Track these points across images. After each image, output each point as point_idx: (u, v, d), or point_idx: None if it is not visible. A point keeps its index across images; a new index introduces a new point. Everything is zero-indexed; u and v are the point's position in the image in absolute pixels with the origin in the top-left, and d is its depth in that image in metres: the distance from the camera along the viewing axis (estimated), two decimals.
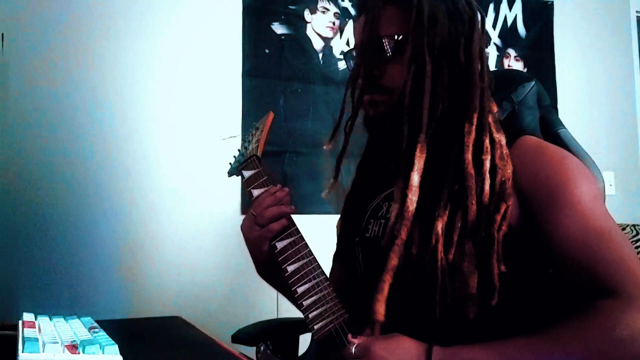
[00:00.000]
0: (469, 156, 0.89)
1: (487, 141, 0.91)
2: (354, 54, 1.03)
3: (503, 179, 0.88)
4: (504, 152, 0.91)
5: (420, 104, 0.91)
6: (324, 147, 1.06)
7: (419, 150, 0.91)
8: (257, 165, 1.14)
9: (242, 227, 1.12)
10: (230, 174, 1.22)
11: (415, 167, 0.90)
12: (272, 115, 1.23)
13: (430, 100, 0.91)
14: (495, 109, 0.97)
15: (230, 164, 1.24)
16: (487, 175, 0.88)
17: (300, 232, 1.05)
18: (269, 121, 1.21)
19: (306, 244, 1.03)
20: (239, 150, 1.25)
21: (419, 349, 0.83)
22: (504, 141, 0.92)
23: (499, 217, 0.86)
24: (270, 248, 1.07)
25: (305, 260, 1.01)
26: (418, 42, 0.92)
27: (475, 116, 0.91)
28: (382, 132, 1.00)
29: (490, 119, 0.93)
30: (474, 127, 0.91)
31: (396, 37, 0.94)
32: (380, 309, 0.87)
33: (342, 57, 2.29)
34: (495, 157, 0.90)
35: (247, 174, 1.14)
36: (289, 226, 1.06)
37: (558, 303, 0.88)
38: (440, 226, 0.87)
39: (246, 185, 1.14)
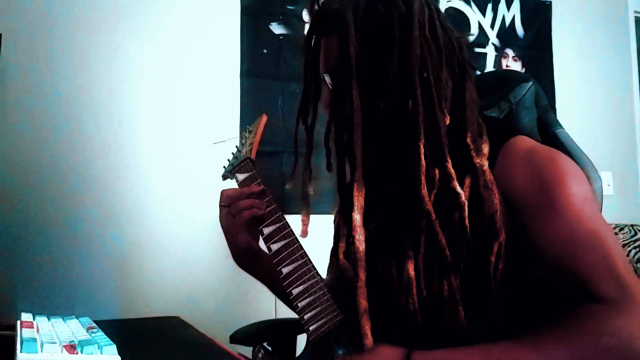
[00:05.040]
0: (423, 191, 0.85)
1: (449, 166, 0.86)
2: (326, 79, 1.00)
3: (490, 212, 0.84)
4: (488, 179, 0.86)
5: (352, 140, 0.87)
6: (286, 187, 1.07)
7: (356, 189, 0.88)
8: (251, 168, 1.14)
9: (219, 218, 1.12)
10: (224, 177, 1.23)
11: (356, 207, 0.87)
12: (265, 117, 1.23)
13: (366, 135, 0.87)
14: (472, 127, 0.90)
15: (224, 167, 1.24)
16: (465, 202, 0.85)
17: (294, 234, 1.05)
18: (262, 124, 1.22)
19: (300, 245, 1.03)
20: (232, 153, 1.25)
21: (397, 357, 0.81)
22: (486, 165, 0.87)
23: (493, 258, 0.83)
24: (247, 237, 1.08)
25: (300, 262, 1.01)
26: (343, 77, 0.88)
27: (422, 144, 0.86)
28: None
29: (468, 140, 0.88)
30: (422, 157, 0.86)
31: (330, 72, 0.93)
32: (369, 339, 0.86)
33: None
34: (479, 186, 0.86)
35: (241, 176, 1.14)
36: (270, 213, 1.07)
37: (546, 306, 0.85)
38: (411, 268, 0.86)
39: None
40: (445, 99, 0.89)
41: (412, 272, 0.86)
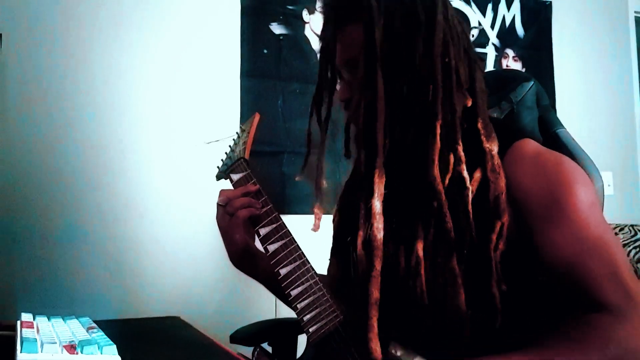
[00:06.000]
0: (435, 172, 0.85)
1: (460, 149, 0.86)
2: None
3: (496, 193, 0.84)
4: (496, 163, 0.86)
5: (374, 127, 0.87)
6: (296, 179, 1.05)
7: (377, 176, 0.87)
8: (246, 168, 1.13)
9: (216, 218, 1.12)
10: (218, 177, 1.22)
11: (376, 194, 0.87)
12: (258, 116, 1.22)
13: (387, 121, 0.87)
14: (483, 114, 0.91)
15: (218, 167, 1.23)
16: (470, 187, 0.85)
17: (291, 235, 1.04)
18: (255, 123, 1.21)
19: (297, 246, 1.03)
20: (226, 153, 1.24)
21: None
22: (495, 150, 0.88)
23: (494, 237, 0.83)
24: (244, 237, 1.07)
25: (297, 263, 1.01)
26: (369, 64, 0.87)
27: (439, 125, 0.86)
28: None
29: (479, 125, 0.89)
30: (437, 137, 0.86)
31: (350, 60, 0.92)
32: (376, 347, 0.84)
33: None
34: (487, 169, 0.86)
35: (235, 177, 1.13)
36: (267, 213, 1.06)
37: (549, 312, 0.85)
38: (420, 247, 0.85)
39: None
40: (465, 83, 0.90)
41: (421, 253, 0.85)
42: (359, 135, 0.94)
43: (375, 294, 0.85)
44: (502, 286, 0.83)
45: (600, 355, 0.74)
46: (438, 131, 0.86)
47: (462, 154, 0.86)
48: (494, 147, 0.88)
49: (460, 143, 0.87)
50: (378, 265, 0.86)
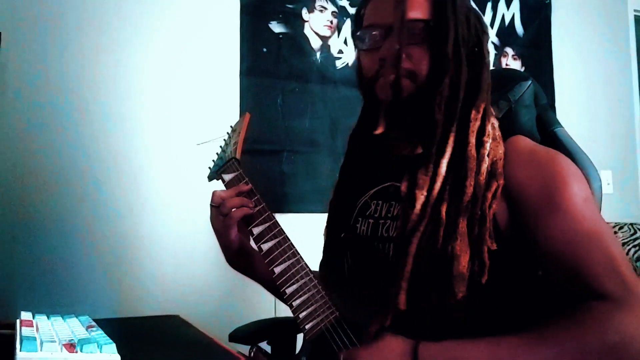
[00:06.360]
0: (472, 139, 0.90)
1: (489, 126, 0.92)
2: (367, 36, 0.97)
3: (495, 158, 0.90)
4: (497, 134, 0.93)
5: (450, 92, 0.91)
6: (375, 133, 1.00)
7: (452, 139, 0.91)
8: (237, 168, 1.13)
9: (210, 219, 1.13)
10: (210, 178, 1.22)
11: (447, 155, 0.90)
12: (248, 116, 1.22)
13: (462, 89, 0.92)
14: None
15: (209, 168, 1.23)
16: (486, 158, 0.89)
17: (284, 233, 1.04)
18: (245, 123, 1.21)
19: (291, 244, 1.03)
20: (217, 153, 1.24)
21: (404, 348, 0.82)
22: (497, 124, 0.94)
23: (490, 195, 0.87)
24: (239, 237, 1.08)
25: (292, 261, 1.01)
26: (454, 30, 0.92)
27: (482, 106, 0.92)
28: (398, 117, 0.96)
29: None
30: (480, 115, 0.92)
31: (429, 21, 0.92)
32: (403, 298, 0.87)
33: (340, 55, 2.29)
34: (489, 138, 0.91)
35: (227, 177, 1.14)
36: (260, 212, 1.06)
37: (547, 304, 0.87)
38: (444, 210, 0.88)
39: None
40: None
41: (443, 215, 0.87)
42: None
43: (413, 248, 0.88)
44: (493, 244, 0.86)
45: (598, 341, 0.75)
46: (481, 111, 0.92)
47: (490, 130, 0.92)
48: (495, 121, 0.95)
49: (492, 120, 0.94)
50: (422, 226, 0.88)
